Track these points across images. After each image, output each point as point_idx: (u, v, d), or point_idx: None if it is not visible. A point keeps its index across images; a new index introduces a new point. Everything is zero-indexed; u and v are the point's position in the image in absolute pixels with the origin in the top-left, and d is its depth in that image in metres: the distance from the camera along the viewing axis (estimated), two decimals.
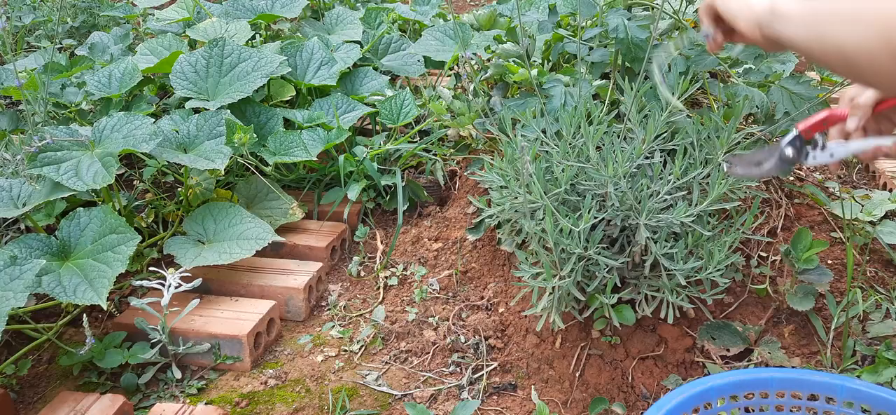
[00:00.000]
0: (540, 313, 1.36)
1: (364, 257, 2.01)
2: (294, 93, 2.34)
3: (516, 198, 1.39)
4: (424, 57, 2.53)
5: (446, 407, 1.48)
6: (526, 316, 1.63)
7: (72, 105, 2.32)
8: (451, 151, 2.22)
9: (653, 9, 1.82)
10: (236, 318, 1.65)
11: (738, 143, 1.38)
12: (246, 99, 2.07)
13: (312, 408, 1.49)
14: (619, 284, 1.38)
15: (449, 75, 2.62)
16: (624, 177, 1.29)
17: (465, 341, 1.64)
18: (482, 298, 1.77)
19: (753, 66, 1.64)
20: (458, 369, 1.58)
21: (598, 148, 1.38)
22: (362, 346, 1.67)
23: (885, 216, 1.78)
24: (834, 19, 0.76)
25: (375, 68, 2.55)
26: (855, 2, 0.74)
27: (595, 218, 1.27)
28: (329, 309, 1.82)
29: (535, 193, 1.29)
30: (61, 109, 2.33)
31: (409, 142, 2.22)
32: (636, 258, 1.35)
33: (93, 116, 2.31)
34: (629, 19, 1.63)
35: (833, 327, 1.48)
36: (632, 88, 1.39)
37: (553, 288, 1.31)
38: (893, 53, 0.67)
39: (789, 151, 0.96)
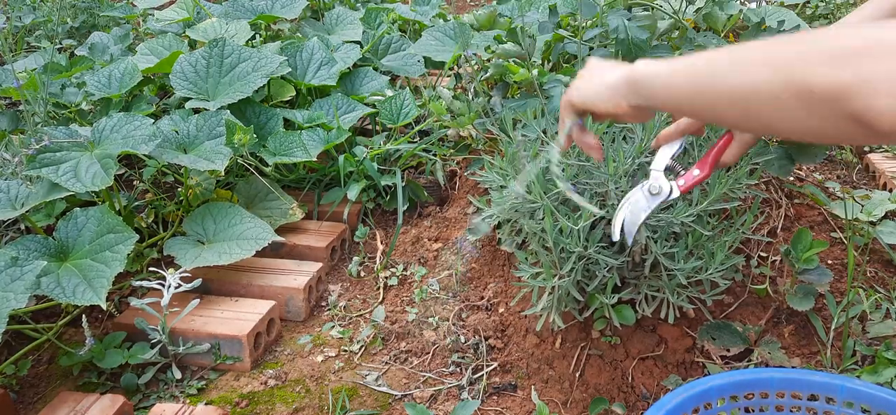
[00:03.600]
0: (539, 313, 1.36)
1: (364, 257, 2.01)
2: (294, 93, 2.34)
3: (516, 198, 1.39)
4: (424, 57, 2.53)
5: (446, 407, 1.48)
6: (526, 316, 1.63)
7: (72, 105, 2.32)
8: (451, 151, 2.22)
9: (653, 9, 1.82)
10: (236, 318, 1.65)
11: None
12: (246, 99, 2.07)
13: (312, 408, 1.49)
14: (618, 284, 1.38)
15: (449, 75, 2.62)
16: (624, 175, 1.29)
17: (465, 342, 1.64)
18: (482, 298, 1.77)
19: None
20: (458, 369, 1.58)
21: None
22: (362, 346, 1.67)
23: (885, 216, 1.78)
24: (719, 69, 0.73)
25: (375, 68, 2.55)
26: (740, 51, 0.71)
27: (594, 216, 1.27)
28: (329, 309, 1.82)
29: (534, 193, 1.29)
30: (61, 109, 2.33)
31: (409, 142, 2.22)
32: (636, 258, 1.35)
33: (93, 116, 2.31)
34: (629, 20, 1.63)
35: (833, 327, 1.48)
36: None
37: (553, 288, 1.31)
38: (794, 91, 0.63)
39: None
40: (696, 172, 1.04)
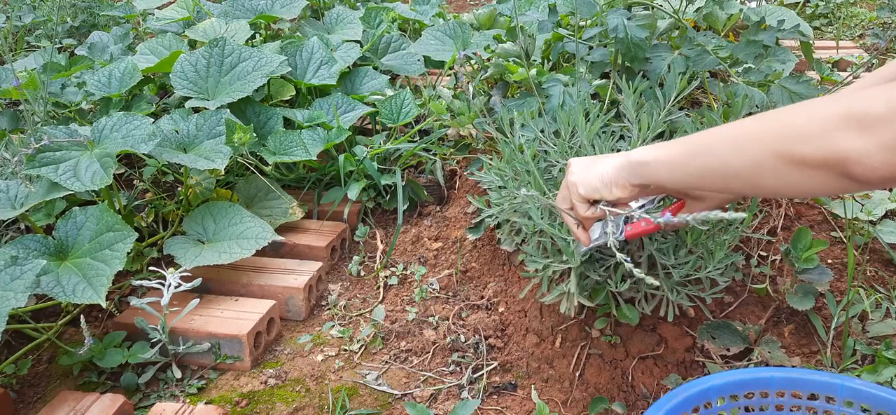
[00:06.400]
0: (559, 297, 1.32)
1: (364, 257, 2.01)
2: (294, 92, 2.34)
3: (514, 198, 1.39)
4: (424, 56, 2.53)
5: (446, 407, 1.49)
6: (526, 315, 1.63)
7: (72, 105, 2.32)
8: (451, 150, 2.22)
9: (653, 8, 1.82)
10: (236, 317, 1.65)
11: None
12: (246, 98, 2.07)
13: (312, 407, 1.49)
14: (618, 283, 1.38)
15: (449, 75, 2.62)
16: None
17: (465, 341, 1.64)
18: (482, 297, 1.77)
19: (753, 66, 1.64)
20: (458, 369, 1.58)
21: (593, 146, 1.38)
22: (362, 345, 1.67)
23: (885, 216, 1.77)
24: (715, 151, 0.83)
25: (375, 68, 2.55)
26: (731, 130, 0.82)
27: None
28: (329, 308, 1.82)
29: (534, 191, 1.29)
30: (61, 108, 2.33)
31: (409, 141, 2.22)
32: (635, 256, 1.35)
33: (93, 115, 2.31)
34: (629, 19, 1.63)
35: (833, 327, 1.48)
36: (631, 87, 1.39)
37: (565, 272, 1.30)
38: (789, 160, 0.73)
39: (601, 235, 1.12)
40: (643, 224, 1.08)
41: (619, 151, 1.40)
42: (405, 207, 2.07)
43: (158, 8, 3.00)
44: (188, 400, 1.52)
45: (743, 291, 1.57)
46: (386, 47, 2.68)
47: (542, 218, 1.29)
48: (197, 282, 1.59)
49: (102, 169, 1.64)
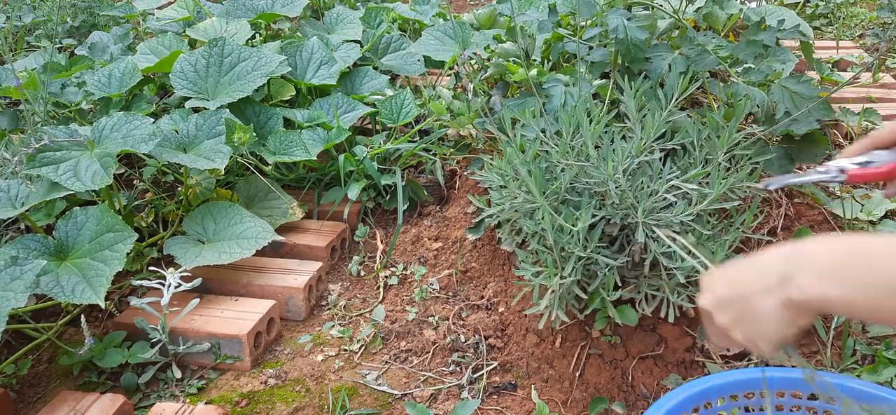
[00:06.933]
0: (542, 311, 1.35)
1: (364, 257, 2.01)
2: (294, 92, 2.33)
3: (516, 198, 1.39)
4: (424, 56, 2.53)
5: (446, 407, 1.49)
6: (526, 315, 1.63)
7: (72, 105, 2.32)
8: (451, 150, 2.22)
9: (653, 8, 1.82)
10: (236, 317, 1.65)
11: (738, 143, 1.38)
12: (246, 98, 2.07)
13: (312, 407, 1.49)
14: (619, 283, 1.38)
15: (449, 75, 2.62)
16: (623, 174, 1.29)
17: (465, 341, 1.64)
18: (482, 297, 1.77)
19: (753, 66, 1.64)
20: (458, 369, 1.58)
21: (596, 147, 1.38)
22: (362, 345, 1.67)
23: (885, 216, 1.78)
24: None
25: (375, 68, 2.55)
26: None
27: (594, 215, 1.27)
28: (329, 308, 1.82)
29: (534, 193, 1.29)
30: (61, 108, 2.33)
31: (409, 141, 2.22)
32: (636, 257, 1.35)
33: (93, 115, 2.31)
34: (629, 19, 1.63)
35: (833, 327, 1.48)
36: (631, 88, 1.39)
37: (555, 287, 1.31)
38: None
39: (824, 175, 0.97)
40: (883, 170, 0.93)
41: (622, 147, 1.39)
42: (405, 207, 2.07)
43: (158, 8, 3.00)
44: (188, 400, 1.52)
45: None
46: (386, 47, 2.68)
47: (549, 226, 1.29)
48: (197, 282, 1.59)
49: (103, 169, 1.64)
